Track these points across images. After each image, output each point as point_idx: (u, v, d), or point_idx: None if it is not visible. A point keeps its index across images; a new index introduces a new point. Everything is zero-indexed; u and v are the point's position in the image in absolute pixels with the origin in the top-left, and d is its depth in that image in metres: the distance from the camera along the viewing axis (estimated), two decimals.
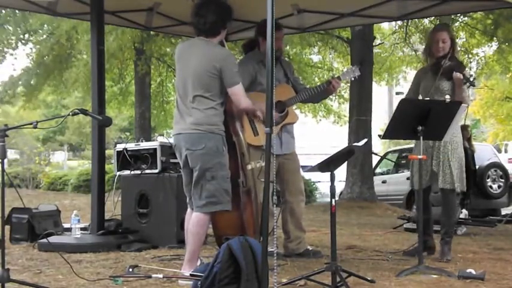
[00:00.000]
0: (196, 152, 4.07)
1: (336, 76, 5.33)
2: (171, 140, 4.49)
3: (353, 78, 5.33)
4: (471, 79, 4.94)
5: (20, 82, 16.76)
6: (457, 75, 4.92)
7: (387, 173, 14.70)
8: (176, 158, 4.38)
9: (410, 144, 13.10)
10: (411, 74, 16.30)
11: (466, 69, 5.04)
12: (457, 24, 13.24)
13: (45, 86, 17.49)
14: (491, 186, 11.18)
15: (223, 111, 4.18)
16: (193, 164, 4.10)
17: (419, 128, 4.46)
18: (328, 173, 3.95)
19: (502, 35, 12.59)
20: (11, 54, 16.45)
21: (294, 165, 5.32)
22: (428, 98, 5.09)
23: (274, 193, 4.65)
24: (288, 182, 5.29)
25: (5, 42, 16.12)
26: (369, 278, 4.05)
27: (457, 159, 5.14)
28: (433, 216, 5.47)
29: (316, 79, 17.97)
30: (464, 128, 10.89)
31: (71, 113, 3.95)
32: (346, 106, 16.94)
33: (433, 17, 12.05)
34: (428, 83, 5.20)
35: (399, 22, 13.90)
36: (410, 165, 5.46)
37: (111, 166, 10.73)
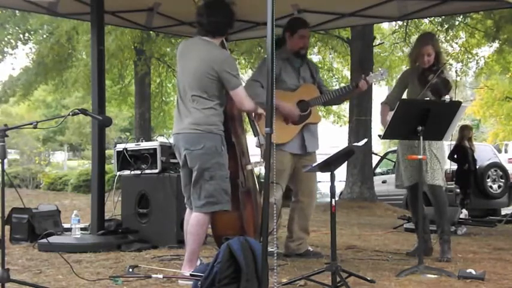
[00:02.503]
0: (195, 152, 4.07)
1: (363, 77, 5.16)
2: (171, 140, 4.49)
3: (379, 81, 5.31)
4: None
5: (20, 81, 16.77)
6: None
7: (387, 173, 14.69)
8: (176, 158, 4.38)
9: None
10: None
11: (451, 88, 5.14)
12: (457, 24, 13.25)
13: (42, 85, 17.51)
14: (491, 186, 11.20)
15: (222, 111, 4.18)
16: (192, 164, 4.10)
17: (419, 128, 4.47)
18: (328, 173, 3.95)
19: (505, 37, 12.60)
20: (11, 54, 16.48)
21: (310, 163, 5.27)
22: None
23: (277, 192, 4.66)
24: (302, 182, 5.25)
25: (5, 42, 16.13)
26: (369, 278, 4.04)
27: (443, 157, 5.25)
28: (427, 216, 5.48)
29: None
30: (465, 128, 10.95)
31: (71, 113, 3.95)
32: (346, 106, 16.93)
33: (433, 17, 12.08)
34: (415, 90, 5.25)
35: (399, 22, 13.92)
36: (397, 164, 5.50)
37: (111, 166, 10.73)
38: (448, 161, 11.03)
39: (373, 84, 5.86)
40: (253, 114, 4.33)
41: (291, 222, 5.32)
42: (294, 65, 5.20)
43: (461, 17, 12.70)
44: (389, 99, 5.42)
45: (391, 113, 5.16)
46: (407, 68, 5.63)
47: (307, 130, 5.21)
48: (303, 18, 5.39)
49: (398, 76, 5.79)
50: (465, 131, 10.49)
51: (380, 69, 5.34)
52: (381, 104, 5.47)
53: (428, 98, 5.10)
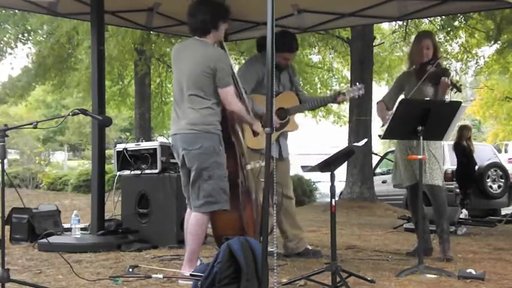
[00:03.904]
0: (193, 152, 4.08)
1: (341, 92, 5.35)
2: (171, 140, 4.50)
3: (357, 96, 5.34)
4: (458, 85, 5.13)
5: (20, 83, 16.75)
6: (446, 80, 5.07)
7: (387, 173, 14.69)
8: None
9: None
10: None
11: (452, 75, 5.22)
12: (456, 23, 13.25)
13: (42, 85, 17.50)
14: (491, 186, 11.19)
15: (220, 110, 4.18)
16: (190, 163, 4.11)
17: (419, 128, 4.48)
18: (328, 173, 3.96)
19: (506, 39, 12.61)
20: (10, 53, 16.47)
21: (286, 167, 5.37)
22: None
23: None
24: (281, 184, 5.29)
25: (4, 42, 16.12)
26: (369, 278, 4.04)
27: (441, 157, 5.32)
28: (427, 215, 5.49)
29: (316, 79, 17.97)
30: (464, 128, 10.96)
31: (71, 113, 3.95)
32: (346, 106, 16.95)
33: (433, 17, 12.06)
34: (412, 87, 5.27)
35: (399, 22, 13.93)
36: (394, 164, 5.52)
37: (111, 166, 10.74)
38: (448, 160, 11.05)
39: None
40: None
41: (280, 224, 5.33)
42: (275, 72, 5.20)
43: (461, 17, 12.69)
44: (386, 98, 5.47)
45: (389, 112, 5.23)
46: (405, 70, 5.66)
47: (283, 137, 5.31)
48: (295, 39, 5.31)
49: (396, 77, 5.84)
50: (464, 131, 10.50)
51: (358, 84, 5.35)
52: (377, 103, 5.50)
53: (427, 89, 5.15)
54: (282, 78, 5.31)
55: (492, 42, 13.48)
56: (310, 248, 5.38)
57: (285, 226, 5.33)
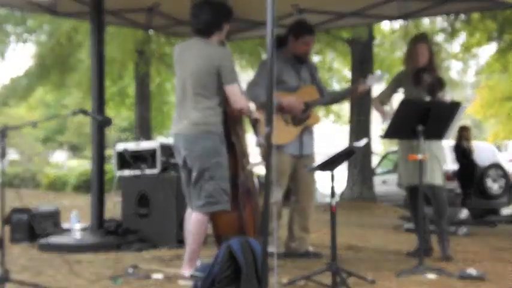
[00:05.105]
0: (195, 152, 4.08)
1: (361, 82, 5.21)
2: (171, 141, 4.50)
3: (377, 84, 5.31)
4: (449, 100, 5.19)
5: (21, 86, 16.73)
6: (442, 96, 5.11)
7: (387, 173, 14.68)
8: (176, 158, 4.38)
9: None
10: None
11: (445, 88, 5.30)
12: (458, 26, 13.24)
13: (43, 86, 17.49)
14: (491, 187, 11.19)
15: (221, 111, 4.18)
16: (192, 164, 4.11)
17: (420, 127, 4.48)
18: (328, 174, 3.96)
19: (508, 39, 12.61)
20: (13, 50, 16.47)
21: (308, 164, 5.29)
22: None
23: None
24: (302, 181, 5.25)
25: (4, 43, 16.09)
26: (369, 278, 4.04)
27: (443, 156, 5.30)
28: (427, 215, 5.49)
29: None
30: (464, 129, 10.96)
31: (71, 113, 3.96)
32: (346, 106, 16.94)
33: (433, 17, 12.05)
34: (409, 90, 5.30)
35: (400, 21, 13.91)
36: (398, 164, 5.53)
37: (111, 166, 10.73)
38: (449, 160, 11.03)
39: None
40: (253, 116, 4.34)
41: (291, 222, 5.32)
42: (295, 66, 5.20)
43: (462, 17, 12.69)
44: (381, 95, 5.50)
45: (386, 107, 5.26)
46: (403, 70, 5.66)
47: (307, 132, 5.23)
48: (309, 23, 5.35)
49: (394, 75, 5.84)
50: (463, 132, 10.52)
51: (378, 71, 5.32)
52: (374, 99, 5.54)
53: (423, 97, 5.17)
54: (303, 73, 5.25)
55: (497, 44, 13.45)
56: (311, 249, 5.37)
57: (295, 226, 5.30)
